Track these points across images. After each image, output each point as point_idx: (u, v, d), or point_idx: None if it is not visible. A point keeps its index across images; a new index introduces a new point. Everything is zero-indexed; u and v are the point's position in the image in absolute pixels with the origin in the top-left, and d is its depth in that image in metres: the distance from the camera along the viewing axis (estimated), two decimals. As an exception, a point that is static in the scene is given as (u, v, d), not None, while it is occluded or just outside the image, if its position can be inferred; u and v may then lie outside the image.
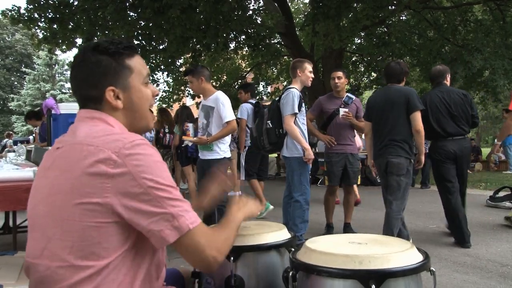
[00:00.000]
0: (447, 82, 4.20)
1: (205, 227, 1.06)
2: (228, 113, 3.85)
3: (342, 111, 4.34)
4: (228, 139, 4.01)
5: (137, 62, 1.14)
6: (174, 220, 0.99)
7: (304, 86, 4.02)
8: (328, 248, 1.24)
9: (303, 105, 3.93)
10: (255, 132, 4.13)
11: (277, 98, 4.11)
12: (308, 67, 3.98)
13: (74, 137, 1.05)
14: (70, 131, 1.10)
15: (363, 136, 10.47)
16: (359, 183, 4.88)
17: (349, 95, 4.47)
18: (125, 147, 0.98)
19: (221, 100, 3.89)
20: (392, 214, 3.57)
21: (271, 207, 5.79)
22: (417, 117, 3.60)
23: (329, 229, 4.47)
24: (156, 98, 1.24)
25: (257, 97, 17.08)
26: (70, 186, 0.98)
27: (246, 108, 5.82)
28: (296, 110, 3.78)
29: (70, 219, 0.97)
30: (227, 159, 4.02)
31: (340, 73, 4.47)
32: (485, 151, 14.59)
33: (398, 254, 1.17)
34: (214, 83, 16.55)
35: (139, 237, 1.03)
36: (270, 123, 3.95)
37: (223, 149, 3.90)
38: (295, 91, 3.83)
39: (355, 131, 4.55)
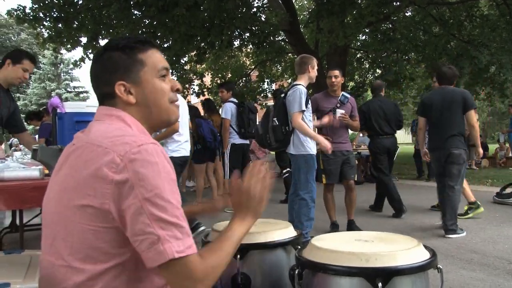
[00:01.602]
0: (383, 93, 5.77)
1: (196, 259, 0.94)
2: None
3: (338, 112, 4.32)
4: (182, 138, 4.11)
5: (151, 56, 1.10)
6: (159, 243, 0.89)
7: (309, 83, 3.99)
8: (334, 246, 1.23)
9: (309, 102, 3.91)
10: (261, 129, 4.09)
11: (282, 95, 4.07)
12: (316, 64, 3.97)
13: (89, 135, 1.04)
14: (87, 128, 1.08)
15: (361, 134, 10.49)
16: (355, 179, 4.90)
17: (345, 94, 4.45)
18: (132, 151, 0.93)
19: None
20: (454, 196, 4.20)
21: None
22: (473, 114, 4.24)
23: (334, 227, 4.43)
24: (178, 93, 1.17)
25: (262, 95, 17.09)
26: (75, 186, 0.97)
27: (230, 107, 5.80)
28: (304, 107, 3.75)
29: (72, 219, 0.96)
30: (176, 158, 4.08)
31: (336, 72, 4.44)
32: (492, 147, 14.48)
33: (405, 251, 1.17)
34: (218, 81, 16.55)
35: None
36: (276, 120, 3.91)
37: (170, 148, 4.03)
38: (302, 88, 3.80)
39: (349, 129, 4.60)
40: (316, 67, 3.96)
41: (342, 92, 4.48)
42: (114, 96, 1.08)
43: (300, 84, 3.86)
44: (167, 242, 0.89)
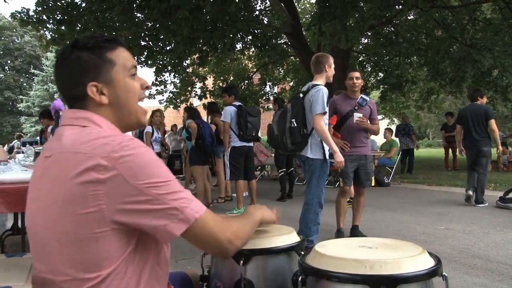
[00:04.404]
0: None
1: (212, 214, 1.03)
2: None
3: (356, 116, 4.21)
4: None
5: (119, 55, 1.08)
6: (179, 212, 0.96)
7: (326, 82, 3.84)
8: (338, 253, 1.22)
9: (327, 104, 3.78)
10: (277, 131, 3.87)
11: (300, 95, 3.86)
12: (332, 62, 3.83)
13: (61, 143, 1.00)
14: (56, 136, 1.05)
15: (371, 137, 10.57)
16: (373, 184, 4.82)
17: (364, 96, 4.32)
18: (114, 150, 0.93)
19: None
20: (483, 177, 6.14)
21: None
22: (492, 122, 6.04)
23: (339, 235, 4.33)
24: (149, 91, 1.19)
25: (264, 98, 17.11)
26: (63, 198, 0.94)
27: (230, 111, 5.91)
28: (326, 109, 3.64)
29: (66, 232, 0.94)
30: None
31: (358, 74, 4.30)
32: (494, 151, 14.41)
33: (410, 259, 1.15)
34: (220, 84, 16.58)
35: (140, 239, 1.00)
36: (294, 122, 3.73)
37: None
38: (324, 89, 3.67)
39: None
40: (333, 66, 3.82)
41: (361, 95, 4.34)
42: (86, 97, 1.05)
43: (321, 85, 3.72)
44: (185, 208, 0.97)
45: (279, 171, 7.56)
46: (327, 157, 3.77)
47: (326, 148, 3.75)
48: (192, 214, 0.97)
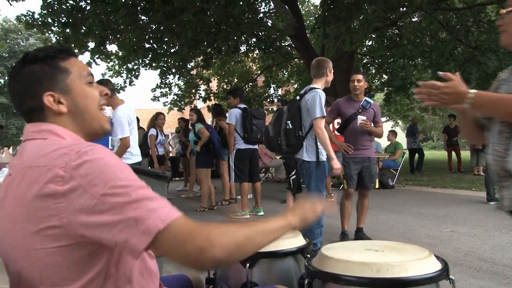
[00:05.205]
0: None
1: (185, 220, 0.89)
2: (119, 130, 3.83)
3: (360, 119, 4.20)
4: (133, 144, 4.03)
5: (74, 64, 1.06)
6: (139, 224, 0.85)
7: (324, 87, 3.84)
8: (345, 256, 1.22)
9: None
10: (272, 132, 3.88)
11: (297, 97, 3.86)
12: (331, 67, 3.85)
13: (22, 159, 0.97)
14: (18, 152, 1.02)
15: (376, 139, 10.63)
16: (377, 186, 4.81)
17: (368, 99, 4.31)
18: (72, 159, 0.89)
19: (118, 115, 3.87)
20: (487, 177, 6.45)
21: (261, 213, 5.98)
22: None
23: (343, 237, 4.33)
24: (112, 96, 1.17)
25: (268, 100, 17.11)
26: (26, 214, 0.91)
27: (235, 113, 5.92)
28: (325, 113, 3.64)
29: (33, 248, 0.91)
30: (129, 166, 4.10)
31: (360, 76, 4.30)
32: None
33: (417, 262, 1.15)
34: (224, 86, 16.61)
35: (116, 249, 0.95)
36: (290, 124, 3.74)
37: (126, 156, 3.95)
38: (321, 93, 3.67)
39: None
40: (332, 70, 3.84)
41: (365, 97, 4.32)
42: (43, 108, 1.02)
43: (319, 88, 3.73)
44: (145, 219, 0.85)
45: (292, 172, 7.54)
46: (323, 159, 3.76)
47: (322, 150, 3.74)
48: (154, 225, 0.85)
